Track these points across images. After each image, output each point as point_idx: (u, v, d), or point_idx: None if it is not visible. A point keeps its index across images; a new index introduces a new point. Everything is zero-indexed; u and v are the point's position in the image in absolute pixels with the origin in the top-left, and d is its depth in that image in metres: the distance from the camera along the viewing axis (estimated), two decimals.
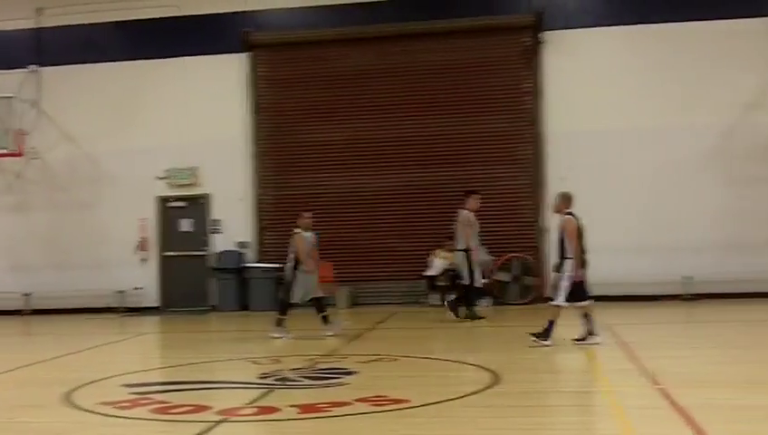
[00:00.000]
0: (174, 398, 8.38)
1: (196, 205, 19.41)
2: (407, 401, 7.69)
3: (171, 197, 19.48)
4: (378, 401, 7.79)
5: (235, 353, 12.20)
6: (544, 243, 17.71)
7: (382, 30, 18.84)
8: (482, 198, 14.99)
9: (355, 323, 15.05)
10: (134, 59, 19.46)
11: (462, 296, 14.86)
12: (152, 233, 19.48)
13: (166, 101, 19.37)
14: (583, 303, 11.09)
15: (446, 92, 18.59)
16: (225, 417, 7.37)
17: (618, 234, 16.91)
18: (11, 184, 19.94)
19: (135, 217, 19.26)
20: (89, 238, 19.39)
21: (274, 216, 18.96)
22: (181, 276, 19.32)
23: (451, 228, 15.16)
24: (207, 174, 19.27)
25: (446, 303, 15.08)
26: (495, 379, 8.76)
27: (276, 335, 12.97)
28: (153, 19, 19.30)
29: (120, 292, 19.08)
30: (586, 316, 11.08)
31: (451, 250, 15.76)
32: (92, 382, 9.41)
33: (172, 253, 19.45)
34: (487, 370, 9.25)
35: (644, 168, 17.68)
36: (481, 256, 15.20)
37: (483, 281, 15.16)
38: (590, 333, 11.03)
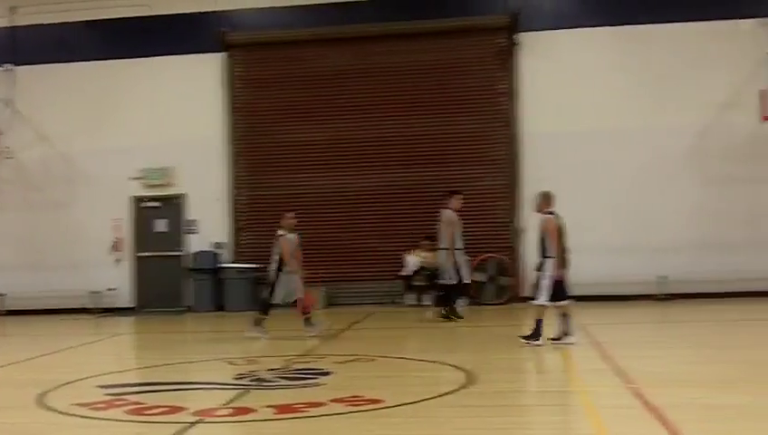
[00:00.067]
0: (149, 399, 8.34)
1: (171, 205, 19.32)
2: (382, 401, 7.71)
3: (146, 197, 19.37)
4: (354, 401, 7.80)
5: (210, 354, 12.16)
6: (520, 243, 17.81)
7: (359, 30, 18.84)
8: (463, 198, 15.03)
9: (332, 323, 15.04)
10: (110, 58, 19.36)
11: (446, 295, 14.88)
12: (127, 233, 19.39)
13: (141, 100, 19.28)
14: (562, 302, 11.14)
15: (424, 93, 18.63)
16: (200, 418, 7.35)
17: (592, 234, 16.83)
18: None
19: (110, 218, 19.17)
20: (63, 238, 19.26)
21: (251, 216, 18.93)
22: (156, 277, 19.22)
23: (433, 228, 15.15)
24: (183, 174, 19.17)
25: (433, 304, 15.10)
26: (471, 379, 8.80)
27: (253, 335, 12.96)
28: (127, 18, 19.21)
29: (95, 292, 18.97)
30: (564, 316, 11.13)
31: (432, 249, 15.78)
32: (67, 383, 9.36)
33: (147, 253, 19.35)
34: (463, 370, 9.29)
35: (619, 168, 17.76)
36: (456, 256, 15.19)
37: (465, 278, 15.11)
38: (566, 333, 11.09)
